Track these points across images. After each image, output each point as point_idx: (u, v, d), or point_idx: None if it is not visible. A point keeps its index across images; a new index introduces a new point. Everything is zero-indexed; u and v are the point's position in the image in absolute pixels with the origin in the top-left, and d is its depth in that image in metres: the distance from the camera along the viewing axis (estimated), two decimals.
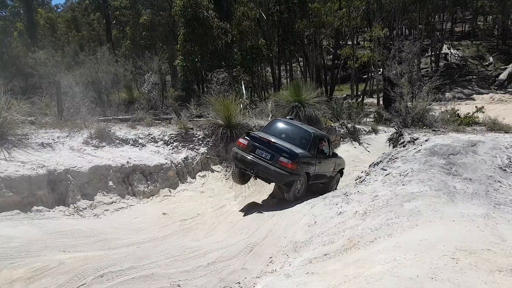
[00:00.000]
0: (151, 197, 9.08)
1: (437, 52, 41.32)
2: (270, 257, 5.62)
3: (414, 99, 13.95)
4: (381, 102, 29.35)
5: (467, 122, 13.15)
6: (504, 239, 4.20)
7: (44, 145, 8.55)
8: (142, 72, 17.75)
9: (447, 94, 30.70)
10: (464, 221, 4.73)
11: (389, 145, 13.18)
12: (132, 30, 26.16)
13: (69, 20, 47.10)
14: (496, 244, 4.03)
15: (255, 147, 8.39)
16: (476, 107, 14.40)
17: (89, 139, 9.47)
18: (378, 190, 6.76)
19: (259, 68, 35.35)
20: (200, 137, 11.45)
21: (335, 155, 10.24)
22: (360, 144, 15.96)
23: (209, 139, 11.46)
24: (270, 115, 13.87)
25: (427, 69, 38.19)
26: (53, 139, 8.90)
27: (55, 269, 4.85)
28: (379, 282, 3.43)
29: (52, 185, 7.46)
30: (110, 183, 8.40)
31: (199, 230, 7.61)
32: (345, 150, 14.86)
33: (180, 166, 10.25)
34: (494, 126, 11.58)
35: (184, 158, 10.57)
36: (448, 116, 13.78)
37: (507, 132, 10.76)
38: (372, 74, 34.87)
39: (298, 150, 8.38)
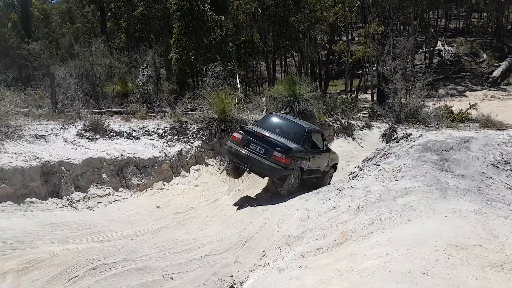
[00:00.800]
0: (144, 190, 9.07)
1: (431, 48, 41.47)
2: (263, 251, 5.64)
3: (407, 95, 14.01)
4: (375, 98, 29.42)
5: (460, 119, 13.24)
6: (496, 235, 4.24)
7: (38, 136, 8.50)
8: (136, 64, 17.63)
9: (440, 91, 30.82)
10: (456, 217, 4.77)
11: (383, 140, 13.24)
12: (127, 22, 25.90)
13: (64, 11, 46.54)
14: (487, 240, 4.07)
15: (249, 141, 8.40)
16: (469, 103, 14.50)
17: (83, 131, 9.43)
18: (371, 185, 6.79)
19: (254, 63, 35.24)
20: (194, 130, 11.43)
21: (328, 150, 10.28)
22: (353, 139, 16.03)
23: (203, 133, 11.45)
24: (265, 110, 13.87)
25: (421, 65, 38.30)
26: (46, 131, 8.86)
27: (47, 261, 4.84)
28: (371, 276, 3.46)
29: (45, 177, 7.43)
30: (104, 175, 8.38)
31: (193, 224, 7.62)
32: (338, 145, 14.92)
33: (174, 160, 10.24)
34: (487, 123, 11.67)
35: (178, 151, 10.56)
36: (442, 112, 13.86)
37: (500, 129, 10.85)
38: (367, 70, 34.93)
39: (292, 145, 8.40)
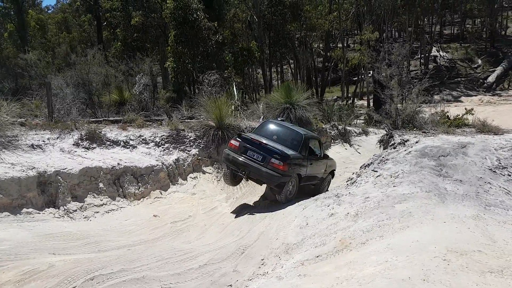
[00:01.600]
0: (142, 199, 9.02)
1: (427, 54, 41.78)
2: (262, 259, 5.60)
3: (404, 101, 14.05)
4: (371, 104, 29.54)
5: (456, 124, 13.28)
6: (495, 240, 4.24)
7: (34, 146, 8.46)
8: (133, 73, 17.65)
9: (436, 97, 31.00)
10: (455, 223, 4.77)
11: (380, 146, 13.24)
12: (123, 32, 25.99)
13: (60, 21, 46.65)
14: (487, 245, 4.07)
15: (246, 148, 8.38)
16: (465, 109, 14.55)
17: (79, 141, 9.39)
18: (369, 191, 6.79)
19: (251, 70, 35.36)
20: (191, 138, 11.41)
21: (326, 157, 10.27)
22: (351, 145, 16.04)
23: (200, 141, 11.43)
24: (262, 117, 13.88)
25: (416, 72, 38.53)
26: (43, 141, 8.82)
27: (44, 272, 4.79)
28: (371, 284, 3.44)
29: (42, 187, 7.39)
30: (101, 185, 8.34)
31: (190, 232, 7.57)
32: (336, 151, 14.93)
33: (171, 168, 10.20)
34: (484, 128, 11.69)
35: (175, 159, 10.53)
36: (438, 118, 13.90)
37: (496, 134, 10.87)
38: (362, 76, 35.10)
39: (290, 152, 8.38)
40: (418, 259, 3.76)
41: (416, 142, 9.64)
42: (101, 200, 8.15)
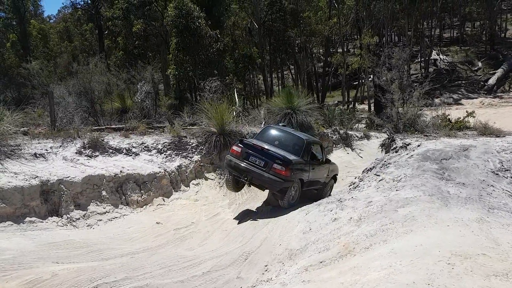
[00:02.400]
0: (144, 206, 9.02)
1: (427, 58, 41.81)
2: (266, 266, 5.59)
3: (405, 105, 14.06)
4: (372, 108, 29.56)
5: (458, 127, 13.27)
6: (499, 243, 4.22)
7: (37, 155, 8.49)
8: (135, 81, 17.71)
9: (436, 100, 31.02)
10: (459, 226, 4.75)
11: (382, 150, 13.25)
12: (124, 40, 26.15)
13: (62, 30, 47.04)
14: (491, 248, 4.05)
15: (248, 154, 8.39)
16: (466, 111, 14.55)
17: (82, 149, 9.42)
18: (372, 195, 6.77)
19: (251, 76, 35.48)
20: (193, 145, 11.43)
21: (328, 161, 10.27)
22: (352, 150, 16.03)
23: (202, 147, 11.44)
24: (263, 122, 13.90)
25: (417, 75, 38.54)
26: (46, 150, 8.84)
27: (48, 281, 4.79)
28: None
29: (45, 196, 7.41)
30: (104, 192, 8.35)
31: (194, 239, 7.57)
32: (338, 156, 14.91)
33: (173, 175, 10.21)
34: (485, 131, 11.68)
35: (178, 166, 10.54)
36: (439, 121, 13.90)
37: (498, 136, 10.86)
38: (363, 81, 35.14)
39: (292, 157, 8.39)
40: (422, 263, 3.75)
41: (418, 146, 9.64)
42: (104, 208, 8.16)
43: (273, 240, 6.47)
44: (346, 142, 16.25)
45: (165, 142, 11.08)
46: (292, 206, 8.25)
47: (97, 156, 9.50)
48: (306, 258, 5.10)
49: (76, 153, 9.22)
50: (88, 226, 7.56)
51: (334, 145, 15.86)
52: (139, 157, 10.22)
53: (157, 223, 8.22)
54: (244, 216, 8.67)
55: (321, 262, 4.72)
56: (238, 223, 8.24)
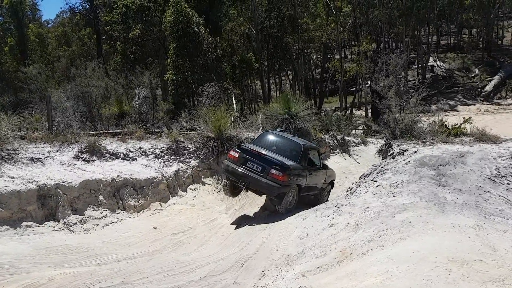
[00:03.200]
0: (141, 211, 9.01)
1: (424, 64, 42.05)
2: (263, 271, 5.58)
3: (402, 111, 14.10)
4: (369, 114, 29.65)
5: (455, 133, 13.29)
6: (496, 249, 4.23)
7: (34, 160, 8.47)
8: (133, 86, 17.73)
9: (433, 106, 31.15)
10: (455, 232, 4.77)
11: (379, 156, 13.27)
12: (122, 45, 26.20)
13: (60, 35, 47.12)
14: (487, 254, 4.06)
15: (246, 159, 8.39)
16: (463, 118, 14.57)
17: (79, 154, 9.41)
18: (369, 201, 6.79)
19: (249, 82, 35.56)
20: (191, 150, 11.43)
21: (325, 167, 10.27)
22: (350, 155, 16.06)
23: (200, 152, 11.45)
24: (261, 128, 13.92)
25: (414, 81, 38.76)
26: (43, 154, 8.83)
27: (44, 285, 4.78)
28: None
29: (42, 200, 7.39)
30: (101, 197, 8.34)
31: (190, 244, 7.56)
32: (335, 161, 14.94)
33: (171, 180, 10.20)
34: (482, 137, 11.70)
35: (175, 171, 10.53)
36: (436, 127, 13.92)
37: (495, 143, 10.90)
38: (360, 87, 35.28)
39: (289, 162, 8.40)
40: (418, 269, 3.76)
41: (415, 152, 9.67)
42: (101, 213, 8.14)
43: (270, 246, 6.46)
44: (344, 148, 16.28)
45: (163, 147, 11.08)
46: (289, 212, 8.25)
47: (95, 160, 9.49)
48: (303, 264, 5.10)
49: (73, 157, 9.21)
50: (85, 230, 7.54)
51: (331, 151, 15.89)
52: (137, 162, 10.21)
53: (154, 228, 8.20)
54: (241, 222, 8.67)
55: (318, 267, 4.72)
56: (235, 229, 8.23)
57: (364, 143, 17.17)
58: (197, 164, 11.14)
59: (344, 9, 33.70)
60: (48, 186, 7.56)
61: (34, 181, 7.46)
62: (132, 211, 8.82)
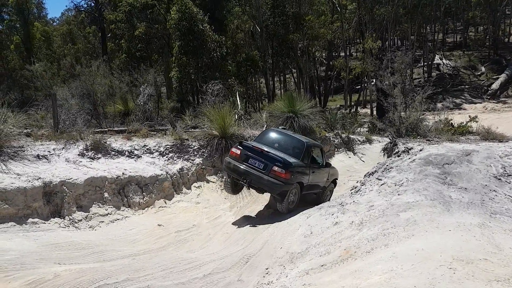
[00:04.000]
0: (146, 209, 9.04)
1: (429, 62, 41.83)
2: (267, 268, 5.59)
3: (407, 109, 14.04)
4: (374, 112, 29.55)
5: (460, 132, 13.22)
6: (501, 248, 4.21)
7: (40, 157, 8.52)
8: (137, 84, 17.76)
9: (439, 104, 30.98)
10: (461, 231, 4.75)
11: (384, 155, 13.22)
12: (127, 43, 26.26)
13: (65, 33, 47.37)
14: (493, 253, 4.04)
15: (248, 156, 8.34)
16: (469, 116, 14.48)
17: (84, 151, 9.45)
18: (373, 200, 6.77)
19: (254, 80, 35.53)
20: (195, 148, 11.45)
21: (328, 165, 10.23)
22: (354, 154, 16.01)
23: (204, 150, 11.46)
24: (265, 126, 13.91)
25: (419, 79, 38.58)
26: (49, 151, 8.87)
27: (50, 281, 4.81)
28: None
29: (47, 197, 7.43)
30: (106, 194, 8.37)
31: (195, 241, 7.57)
32: (339, 160, 14.91)
33: (175, 177, 10.22)
34: (488, 135, 11.64)
35: (180, 169, 10.55)
36: (442, 125, 13.86)
37: (501, 141, 10.83)
38: (365, 85, 35.16)
39: (292, 159, 8.33)
40: (423, 267, 3.74)
41: (420, 150, 9.62)
42: (106, 210, 8.18)
43: (274, 243, 6.47)
44: (348, 146, 16.23)
45: (167, 145, 11.10)
46: (290, 211, 8.19)
47: (100, 158, 9.52)
48: (307, 262, 5.10)
49: (78, 155, 9.25)
50: (90, 227, 7.57)
51: (336, 149, 15.85)
52: (141, 160, 10.24)
53: (158, 225, 8.23)
54: (245, 219, 8.67)
55: (322, 265, 4.72)
56: (239, 226, 8.24)
57: (369, 141, 17.10)
58: (201, 162, 11.16)
59: (349, 6, 33.60)
60: (54, 183, 7.60)
61: (39, 178, 7.50)
62: (137, 209, 8.85)
